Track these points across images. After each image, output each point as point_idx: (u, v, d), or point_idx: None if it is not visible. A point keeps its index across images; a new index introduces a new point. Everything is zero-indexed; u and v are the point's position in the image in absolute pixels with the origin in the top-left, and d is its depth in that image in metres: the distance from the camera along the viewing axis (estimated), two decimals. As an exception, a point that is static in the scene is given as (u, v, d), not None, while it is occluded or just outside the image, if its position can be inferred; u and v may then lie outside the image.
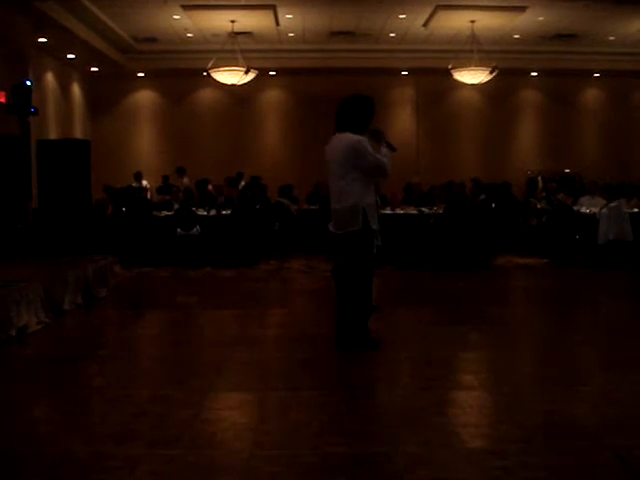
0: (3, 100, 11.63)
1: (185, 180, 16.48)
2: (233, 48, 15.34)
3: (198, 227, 12.83)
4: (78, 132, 17.65)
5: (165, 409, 4.78)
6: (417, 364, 6.13)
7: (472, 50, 15.36)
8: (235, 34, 15.39)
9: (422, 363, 6.10)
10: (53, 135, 15.55)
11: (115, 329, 8.08)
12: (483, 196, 13.22)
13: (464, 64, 15.65)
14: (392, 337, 7.14)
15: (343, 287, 6.32)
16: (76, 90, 18.13)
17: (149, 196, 16.41)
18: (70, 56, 16.43)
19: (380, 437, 4.23)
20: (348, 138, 6.13)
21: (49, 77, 16.09)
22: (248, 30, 15.81)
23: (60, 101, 16.79)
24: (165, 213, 13.42)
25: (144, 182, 16.66)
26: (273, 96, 19.59)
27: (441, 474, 3.72)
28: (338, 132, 6.24)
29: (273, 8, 14.25)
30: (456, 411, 4.91)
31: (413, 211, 13.68)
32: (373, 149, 6.20)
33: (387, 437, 4.23)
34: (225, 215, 13.33)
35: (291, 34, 16.62)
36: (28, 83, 11.87)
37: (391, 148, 6.45)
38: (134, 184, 16.07)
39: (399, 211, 13.74)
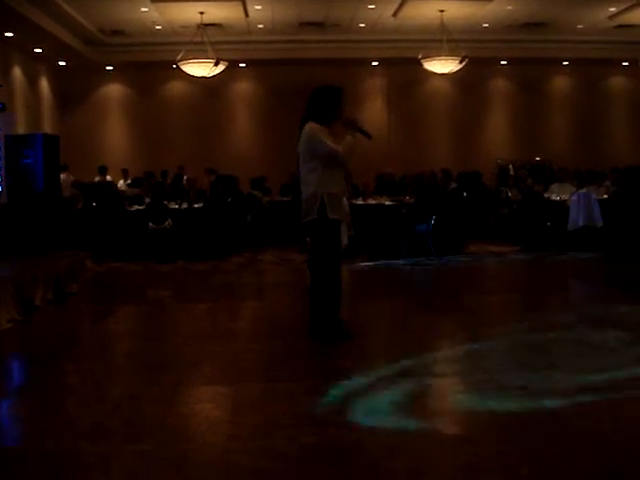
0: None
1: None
2: (202, 40, 15.25)
3: (170, 221, 12.76)
4: (47, 127, 17.46)
5: (138, 405, 4.76)
6: (391, 353, 6.15)
7: (442, 40, 15.40)
8: (204, 26, 15.30)
9: (396, 352, 6.11)
10: (22, 130, 15.36)
11: (87, 325, 8.01)
12: (454, 185, 13.30)
13: (434, 54, 15.69)
14: (366, 327, 7.17)
15: (312, 277, 6.35)
16: (44, 84, 17.94)
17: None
18: (37, 50, 16.25)
19: (355, 427, 4.24)
20: (306, 128, 6.20)
21: (16, 72, 15.90)
22: (217, 22, 15.73)
23: (28, 96, 16.60)
24: (136, 207, 13.33)
25: (108, 177, 16.44)
26: (243, 88, 19.52)
27: (416, 462, 3.74)
28: (306, 123, 6.27)
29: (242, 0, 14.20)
30: (431, 399, 4.94)
31: (385, 201, 13.70)
32: (346, 137, 6.23)
33: (362, 427, 4.24)
34: (197, 208, 13.28)
35: (260, 25, 16.55)
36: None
37: (366, 135, 6.47)
38: (97, 178, 15.91)
39: (371, 201, 13.77)
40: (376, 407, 4.62)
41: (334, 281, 6.30)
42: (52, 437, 4.21)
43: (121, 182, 16.66)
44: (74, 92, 18.81)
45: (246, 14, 15.25)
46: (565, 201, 12.78)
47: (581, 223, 12.25)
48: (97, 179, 15.84)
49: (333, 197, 6.19)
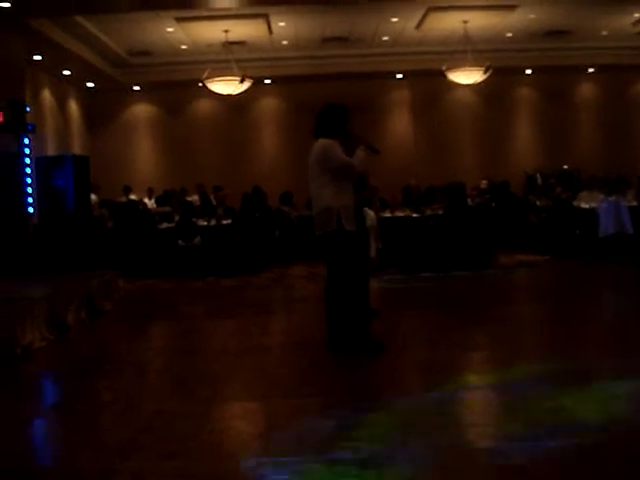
0: (1, 119, 11.69)
1: None
2: (227, 58, 15.38)
3: (199, 237, 12.85)
4: (76, 147, 17.68)
5: (171, 421, 4.79)
6: (422, 366, 6.14)
7: (466, 50, 15.38)
8: (229, 44, 15.42)
9: (427, 365, 6.10)
10: (51, 151, 15.58)
11: (120, 342, 8.08)
12: (479, 199, 13.29)
13: (458, 65, 15.67)
14: (396, 340, 7.16)
15: (331, 291, 6.36)
16: (73, 106, 18.18)
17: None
18: (66, 72, 16.48)
19: (387, 440, 4.24)
20: (319, 143, 6.33)
21: (46, 94, 16.14)
22: (242, 39, 15.85)
23: (57, 117, 16.83)
24: (166, 225, 13.45)
25: (132, 196, 16.59)
26: (269, 104, 19.62)
27: (449, 476, 3.73)
28: (315, 139, 6.40)
29: (266, 17, 14.30)
30: (462, 411, 4.92)
31: (412, 213, 13.69)
32: (348, 151, 6.32)
33: (394, 440, 4.24)
34: (226, 225, 13.37)
35: (284, 42, 16.65)
36: (23, 102, 11.94)
37: (374, 151, 6.58)
38: (123, 198, 16.06)
39: (399, 214, 13.77)
40: (407, 419, 4.61)
41: (358, 292, 6.32)
42: (85, 455, 4.25)
43: (146, 200, 16.80)
44: (102, 113, 19.03)
45: (270, 31, 15.37)
46: (594, 209, 12.69)
47: (611, 231, 12.15)
48: (123, 199, 15.99)
49: (347, 209, 6.27)
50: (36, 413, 5.27)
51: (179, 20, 14.17)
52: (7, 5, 11.46)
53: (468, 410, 4.99)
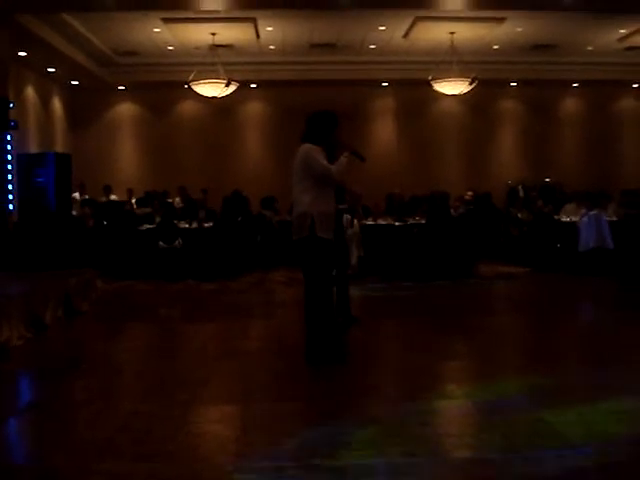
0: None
1: None
2: (214, 61, 15.33)
3: (180, 240, 12.80)
4: (59, 145, 17.56)
5: (148, 423, 4.75)
6: (400, 374, 6.14)
7: (452, 61, 15.44)
8: (216, 47, 15.39)
9: (405, 373, 6.11)
10: (34, 148, 15.48)
11: (97, 343, 8.01)
12: (463, 210, 13.33)
13: (444, 75, 15.72)
14: (375, 348, 7.16)
15: (306, 297, 6.34)
16: (57, 103, 18.06)
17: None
18: (50, 70, 16.37)
19: (364, 448, 4.22)
20: (302, 148, 6.33)
21: (29, 91, 16.02)
22: (229, 43, 15.82)
23: (41, 115, 16.72)
24: (147, 226, 13.38)
25: (112, 196, 16.49)
26: (254, 108, 19.59)
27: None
28: (301, 143, 6.40)
29: (253, 21, 14.28)
30: (440, 421, 4.92)
31: (395, 222, 13.71)
32: (332, 158, 6.33)
33: (371, 448, 4.23)
34: (207, 228, 13.32)
35: (272, 46, 16.64)
36: (7, 98, 11.87)
37: (359, 157, 6.58)
38: (103, 198, 15.96)
39: (381, 222, 13.78)
40: (385, 428, 4.59)
41: (326, 300, 6.30)
42: (61, 455, 4.21)
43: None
44: (86, 111, 18.92)
45: (257, 35, 15.35)
46: (575, 222, 12.76)
47: (592, 245, 12.23)
48: (102, 199, 15.89)
49: (323, 216, 6.22)
50: (12, 412, 5.21)
51: (166, 21, 14.11)
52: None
53: (446, 420, 4.99)
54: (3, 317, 7.07)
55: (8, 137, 11.85)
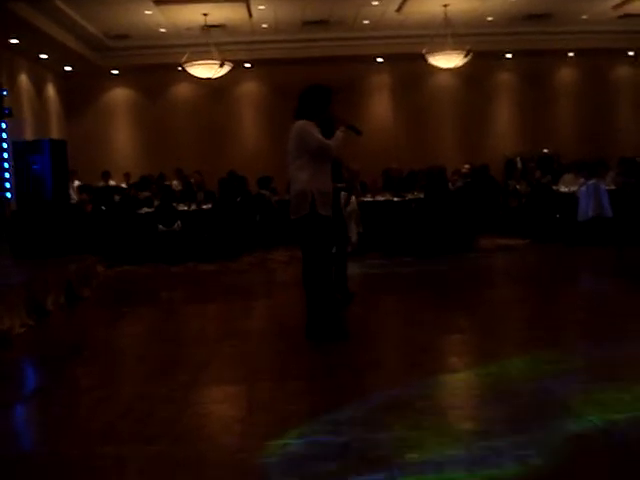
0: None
1: None
2: (207, 41, 15.25)
3: (179, 222, 12.79)
4: (54, 132, 17.50)
5: (151, 406, 4.76)
6: (402, 349, 6.16)
7: (446, 34, 15.34)
8: (208, 27, 15.29)
9: (407, 348, 6.12)
10: (29, 136, 15.41)
11: (99, 328, 8.03)
12: (461, 183, 13.31)
13: (438, 48, 15.63)
14: (376, 324, 7.18)
15: (305, 276, 6.31)
16: (51, 90, 17.97)
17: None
18: (43, 56, 16.27)
19: (368, 423, 4.24)
20: (297, 125, 6.25)
21: (23, 78, 15.93)
22: (221, 23, 15.71)
23: (35, 101, 16.65)
24: (145, 210, 13.36)
25: (111, 181, 16.46)
26: (249, 88, 19.49)
27: (430, 457, 3.74)
28: (295, 121, 6.32)
29: (245, 0, 14.18)
30: (442, 394, 4.93)
31: (393, 197, 13.69)
32: (328, 133, 6.26)
33: (375, 423, 4.24)
34: (206, 209, 13.30)
35: (264, 25, 16.53)
36: (0, 86, 11.82)
37: (356, 131, 6.57)
38: (101, 183, 15.93)
39: (379, 198, 13.76)
40: (388, 402, 4.61)
41: (325, 277, 6.28)
42: (65, 440, 4.23)
43: (123, 185, 16.67)
44: (80, 97, 18.82)
45: (250, 14, 15.24)
46: (574, 192, 12.75)
47: (591, 214, 12.21)
48: (101, 184, 15.86)
49: (323, 194, 6.18)
50: (16, 398, 5.23)
51: (158, 3, 13.99)
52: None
53: (449, 393, 5.00)
54: (5, 305, 7.08)
55: (3, 125, 11.82)
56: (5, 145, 11.70)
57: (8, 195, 11.89)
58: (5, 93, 12.19)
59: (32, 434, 4.56)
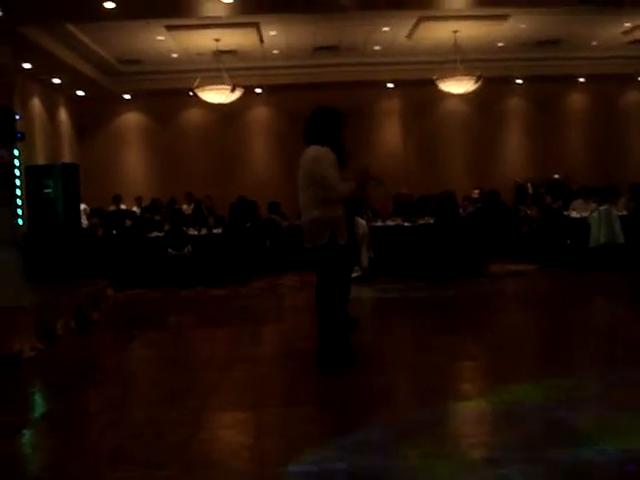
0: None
1: None
2: (218, 67, 15.35)
3: (189, 247, 12.79)
4: (66, 156, 17.59)
5: (160, 430, 4.73)
6: (414, 375, 6.10)
7: (456, 60, 15.39)
8: (220, 52, 15.39)
9: (419, 374, 6.07)
10: (41, 160, 15.49)
11: (109, 352, 8.02)
12: (471, 209, 13.29)
13: (449, 74, 15.68)
14: (387, 348, 7.13)
15: (318, 303, 6.22)
16: (63, 114, 18.10)
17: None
18: (55, 81, 16.41)
19: (380, 450, 4.19)
20: (310, 151, 6.09)
21: (35, 102, 16.06)
22: (233, 48, 15.81)
23: (47, 126, 16.76)
24: (156, 234, 13.38)
25: (122, 206, 16.52)
26: (260, 113, 19.59)
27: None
28: (306, 145, 6.18)
29: (257, 26, 14.27)
30: (455, 421, 4.88)
31: (404, 222, 13.65)
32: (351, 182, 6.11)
33: (387, 450, 4.19)
34: (216, 234, 13.31)
35: (275, 51, 16.63)
36: (12, 110, 11.89)
37: (377, 182, 6.39)
38: (112, 207, 15.99)
39: (390, 223, 13.73)
40: (400, 429, 4.56)
41: (340, 305, 6.21)
42: (74, 463, 4.20)
43: (134, 208, 16.74)
44: (92, 121, 18.95)
45: (261, 40, 15.34)
46: (586, 218, 12.70)
47: (603, 240, 12.16)
48: (112, 208, 15.92)
49: (339, 221, 6.07)
50: (25, 422, 5.20)
51: (169, 28, 14.12)
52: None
53: (462, 420, 4.95)
54: (15, 329, 7.07)
55: (15, 151, 11.86)
56: (17, 170, 11.73)
57: (20, 222, 11.92)
58: (18, 117, 12.27)
59: (41, 458, 4.53)
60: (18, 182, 11.81)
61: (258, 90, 18.71)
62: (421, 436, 4.39)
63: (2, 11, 11.32)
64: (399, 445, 4.25)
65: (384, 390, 5.56)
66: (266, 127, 19.56)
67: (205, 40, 14.90)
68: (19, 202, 11.83)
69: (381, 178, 6.49)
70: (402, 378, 6.12)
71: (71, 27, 13.53)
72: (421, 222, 13.45)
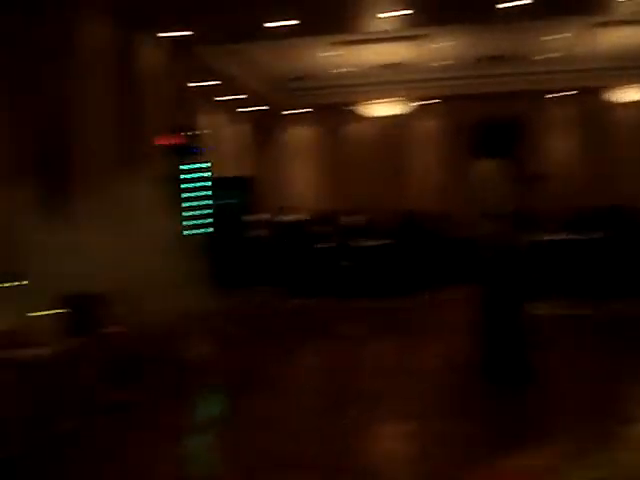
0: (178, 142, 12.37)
1: None
2: (383, 80, 15.45)
3: (358, 258, 12.95)
4: (242, 169, 18.19)
5: (323, 439, 4.79)
6: (586, 397, 5.84)
7: (628, 67, 14.74)
8: (384, 66, 15.48)
9: (592, 396, 5.80)
10: (217, 173, 16.15)
11: (275, 359, 8.18)
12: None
13: (621, 82, 15.04)
14: (558, 367, 6.88)
15: (487, 316, 6.12)
16: (240, 130, 18.77)
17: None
18: (230, 98, 17.07)
19: (547, 473, 4.06)
20: (482, 167, 6.00)
21: (211, 118, 16.75)
22: (396, 61, 15.89)
23: (224, 141, 17.44)
24: (325, 244, 13.62)
25: (290, 216, 16.90)
26: (426, 125, 19.49)
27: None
28: (475, 159, 6.08)
29: (422, 38, 14.27)
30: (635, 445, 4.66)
31: (575, 236, 13.06)
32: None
33: (557, 473, 4.06)
34: (384, 246, 13.37)
35: (440, 62, 16.43)
36: (195, 126, 12.59)
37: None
38: (281, 218, 16.38)
39: (560, 237, 13.17)
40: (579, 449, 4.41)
41: (518, 318, 6.09)
42: (241, 469, 4.35)
43: (302, 219, 17.08)
44: (265, 136, 19.59)
45: (425, 52, 15.32)
46: None
47: None
48: (281, 218, 16.34)
49: (508, 236, 6.00)
50: (190, 428, 5.42)
51: (335, 44, 14.39)
52: (189, 33, 11.94)
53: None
54: (190, 334, 7.38)
55: (207, 164, 12.54)
56: (209, 183, 12.37)
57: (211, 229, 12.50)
58: (199, 133, 12.92)
59: (209, 461, 4.71)
60: (209, 192, 12.57)
61: (424, 102, 18.63)
62: (595, 459, 4.22)
63: (191, 31, 11.82)
64: (569, 467, 4.11)
65: (554, 411, 5.36)
66: (433, 138, 19.41)
67: (369, 54, 15.05)
68: (210, 211, 12.52)
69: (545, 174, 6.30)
70: (573, 399, 5.87)
71: (245, 46, 14.07)
72: (594, 235, 12.82)
